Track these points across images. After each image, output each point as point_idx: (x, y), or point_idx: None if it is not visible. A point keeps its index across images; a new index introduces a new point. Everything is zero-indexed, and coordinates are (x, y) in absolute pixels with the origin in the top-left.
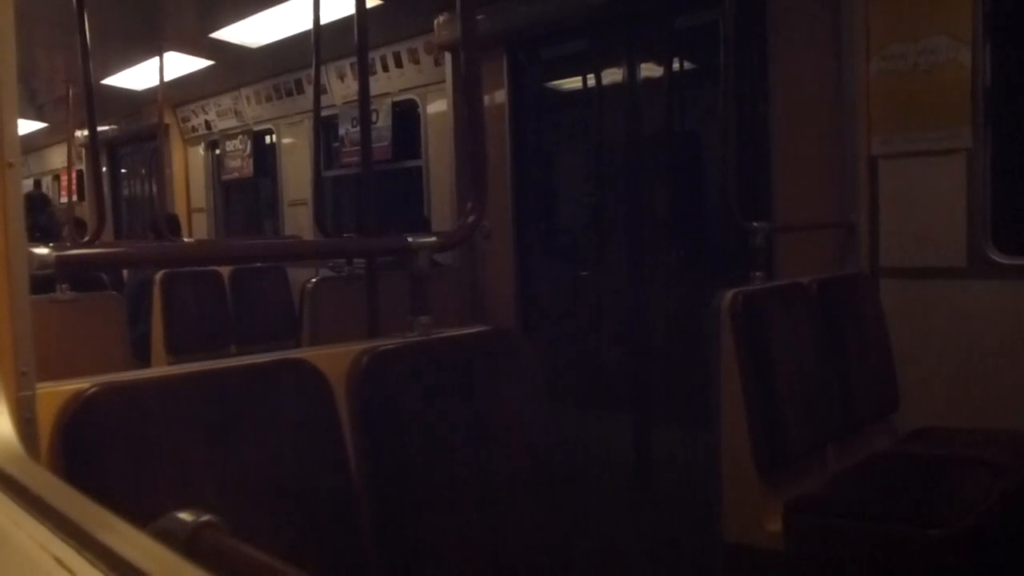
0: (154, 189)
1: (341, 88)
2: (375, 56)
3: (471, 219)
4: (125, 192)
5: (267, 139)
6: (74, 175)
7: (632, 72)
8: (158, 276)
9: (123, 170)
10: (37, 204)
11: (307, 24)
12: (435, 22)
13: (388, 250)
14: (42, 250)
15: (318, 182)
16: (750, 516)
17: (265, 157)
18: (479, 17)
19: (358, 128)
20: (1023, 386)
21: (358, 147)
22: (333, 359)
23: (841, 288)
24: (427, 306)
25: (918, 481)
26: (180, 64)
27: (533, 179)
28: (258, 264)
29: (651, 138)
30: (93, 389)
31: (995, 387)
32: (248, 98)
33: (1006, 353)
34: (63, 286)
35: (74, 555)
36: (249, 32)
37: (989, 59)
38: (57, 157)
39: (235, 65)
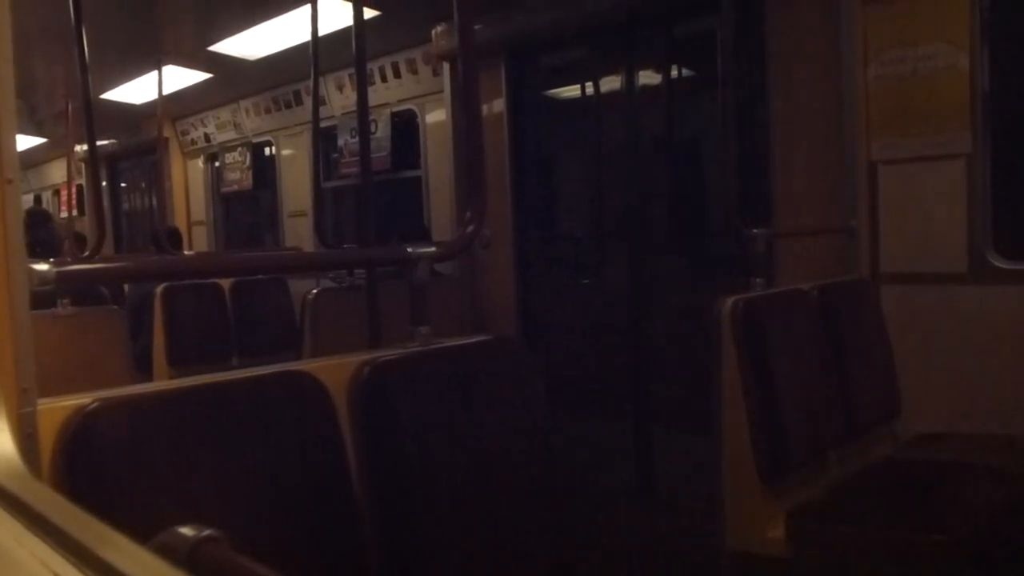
0: (154, 203)
1: (340, 99)
2: (373, 67)
3: (470, 228)
4: (125, 206)
5: (266, 151)
6: (74, 190)
7: (631, 80)
8: (159, 289)
9: (123, 184)
10: (38, 220)
11: (305, 36)
12: (433, 32)
13: (388, 260)
14: (42, 266)
15: (318, 193)
16: (753, 523)
17: (264, 169)
18: (477, 26)
19: (357, 139)
20: None
21: (357, 158)
22: (334, 370)
23: (842, 294)
24: (427, 316)
25: (921, 487)
26: (179, 77)
27: (533, 188)
28: (259, 276)
29: (651, 145)
30: (94, 404)
31: (997, 392)
32: (247, 110)
33: (1008, 358)
34: (64, 301)
35: (75, 572)
36: (247, 45)
37: (987, 64)
38: (57, 172)
39: (234, 78)
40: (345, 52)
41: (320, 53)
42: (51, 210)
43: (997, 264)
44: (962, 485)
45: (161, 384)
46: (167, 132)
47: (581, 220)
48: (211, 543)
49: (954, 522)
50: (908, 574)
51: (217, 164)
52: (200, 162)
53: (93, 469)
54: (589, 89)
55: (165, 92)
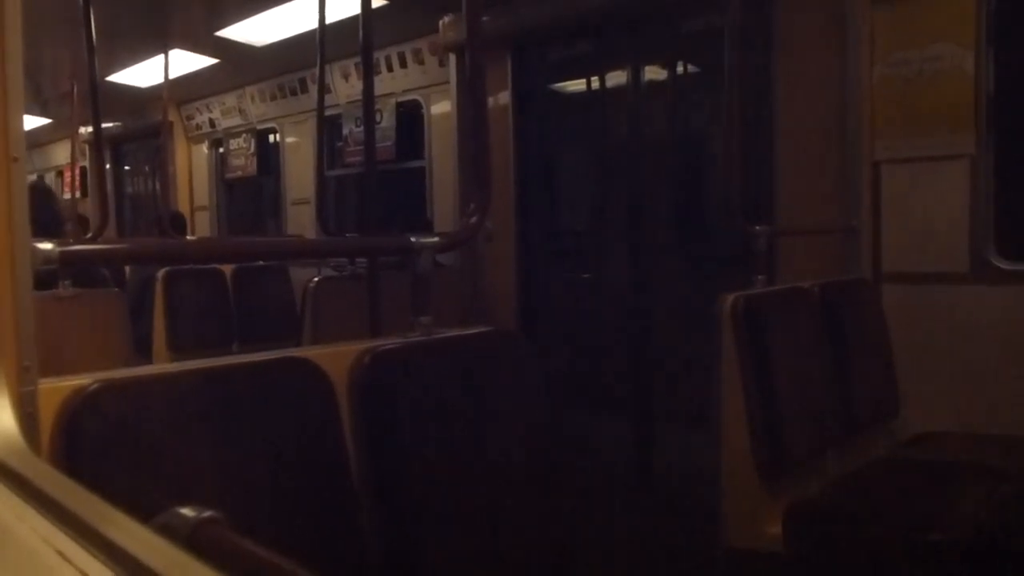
0: (157, 187)
1: (345, 88)
2: (380, 56)
3: (474, 220)
4: (128, 190)
5: (271, 138)
6: (77, 171)
7: (636, 74)
8: (160, 274)
9: (127, 167)
10: (38, 196)
11: (312, 23)
12: (440, 23)
13: (390, 250)
14: (46, 245)
15: (321, 181)
16: (751, 520)
17: (269, 156)
18: (484, 18)
19: (362, 128)
20: None
21: (362, 147)
22: (335, 358)
23: (843, 293)
24: (429, 306)
25: (918, 486)
26: (185, 62)
27: (536, 181)
28: (261, 263)
29: (655, 141)
30: (95, 385)
31: (996, 392)
32: (252, 96)
33: (1007, 358)
34: (66, 282)
35: (76, 548)
36: (254, 31)
37: (992, 66)
38: (61, 153)
39: (240, 63)
40: (352, 41)
41: (327, 41)
42: (55, 191)
43: (998, 265)
44: (960, 485)
45: (162, 367)
46: (172, 116)
47: (584, 214)
48: (212, 524)
49: (952, 521)
50: (905, 573)
51: (221, 150)
52: (204, 147)
53: (93, 449)
54: (595, 83)
55: (171, 76)
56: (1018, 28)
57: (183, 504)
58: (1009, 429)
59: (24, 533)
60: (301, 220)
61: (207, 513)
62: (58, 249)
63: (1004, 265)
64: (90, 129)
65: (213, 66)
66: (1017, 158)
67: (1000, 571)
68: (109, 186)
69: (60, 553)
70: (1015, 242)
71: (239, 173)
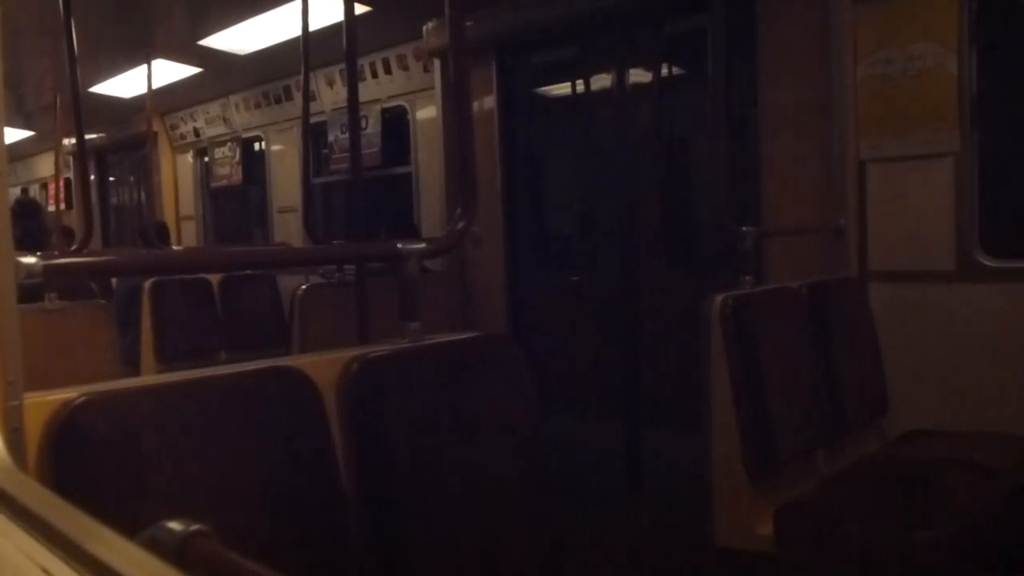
0: (142, 197)
1: (330, 95)
2: (364, 62)
3: (461, 225)
4: (113, 200)
5: (256, 146)
6: (62, 183)
7: (622, 78)
8: (147, 284)
9: (111, 178)
10: (28, 211)
11: (296, 31)
12: (424, 28)
13: (378, 256)
14: (30, 259)
15: (307, 189)
16: (741, 520)
17: (254, 164)
18: (468, 23)
19: (347, 134)
20: (1012, 388)
21: (347, 153)
22: (323, 366)
23: (830, 292)
24: (417, 312)
25: (908, 484)
26: (168, 71)
27: (523, 185)
28: (247, 272)
29: (641, 143)
30: (82, 398)
31: (984, 390)
32: (237, 105)
33: (995, 356)
34: (51, 295)
35: (62, 566)
36: (238, 39)
37: (975, 64)
38: (45, 165)
39: (224, 72)
40: (336, 47)
41: (311, 48)
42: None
43: (984, 262)
44: (949, 482)
45: (149, 378)
46: (156, 126)
47: (571, 217)
48: (200, 537)
49: (941, 518)
50: (896, 570)
51: (206, 159)
52: (189, 157)
53: (80, 463)
54: (580, 87)
55: (154, 86)
56: (1000, 27)
57: (171, 518)
58: (997, 426)
59: (9, 551)
60: (288, 228)
61: (195, 526)
62: (42, 262)
63: (990, 262)
64: (74, 141)
65: (197, 75)
66: (1001, 156)
67: (990, 568)
68: (94, 197)
69: (45, 571)
70: (1000, 239)
71: (224, 182)
